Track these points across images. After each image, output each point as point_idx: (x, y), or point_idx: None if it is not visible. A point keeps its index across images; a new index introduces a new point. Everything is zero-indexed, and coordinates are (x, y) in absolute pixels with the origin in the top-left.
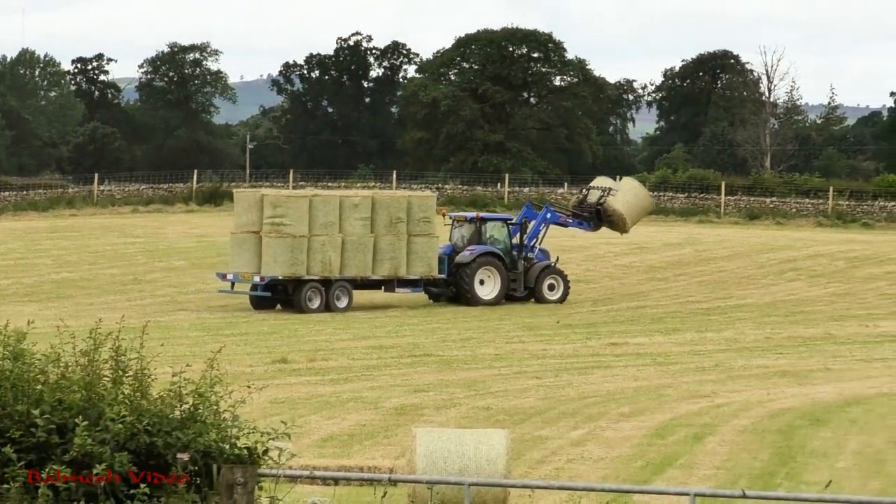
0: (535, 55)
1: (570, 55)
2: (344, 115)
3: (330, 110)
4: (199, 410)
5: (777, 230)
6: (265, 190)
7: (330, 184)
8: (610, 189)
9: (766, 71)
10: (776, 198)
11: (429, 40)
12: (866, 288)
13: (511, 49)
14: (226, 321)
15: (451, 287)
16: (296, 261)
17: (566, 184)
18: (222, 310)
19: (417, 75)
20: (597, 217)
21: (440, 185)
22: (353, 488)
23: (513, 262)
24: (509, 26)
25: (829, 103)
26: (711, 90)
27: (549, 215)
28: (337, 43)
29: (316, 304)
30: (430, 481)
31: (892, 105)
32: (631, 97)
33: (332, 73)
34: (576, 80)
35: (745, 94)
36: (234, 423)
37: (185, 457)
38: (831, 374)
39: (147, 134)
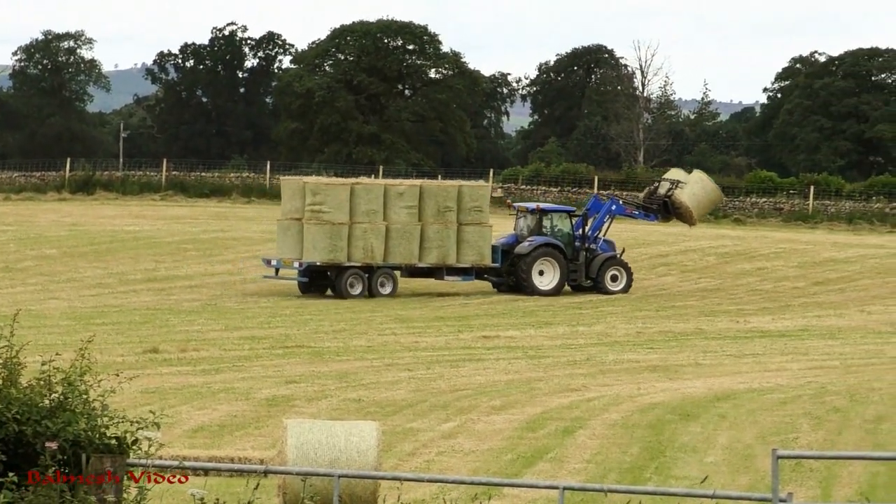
0: (411, 47)
1: (445, 48)
2: (218, 104)
3: (204, 100)
4: (69, 399)
5: (649, 224)
6: (307, 178)
7: (204, 174)
8: (679, 182)
9: (640, 66)
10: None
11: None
12: (737, 283)
13: (386, 41)
14: (98, 310)
15: (510, 277)
16: (335, 247)
17: (439, 176)
18: (94, 299)
19: (292, 66)
20: (664, 209)
21: (314, 175)
22: (224, 479)
23: (574, 252)
24: (385, 18)
25: (703, 99)
26: (585, 84)
27: (614, 207)
28: (212, 33)
29: (357, 290)
30: (300, 472)
31: (765, 101)
32: (505, 90)
33: (207, 62)
34: (450, 72)
35: (618, 88)
36: (103, 412)
37: (53, 446)
38: (701, 369)
39: (20, 121)
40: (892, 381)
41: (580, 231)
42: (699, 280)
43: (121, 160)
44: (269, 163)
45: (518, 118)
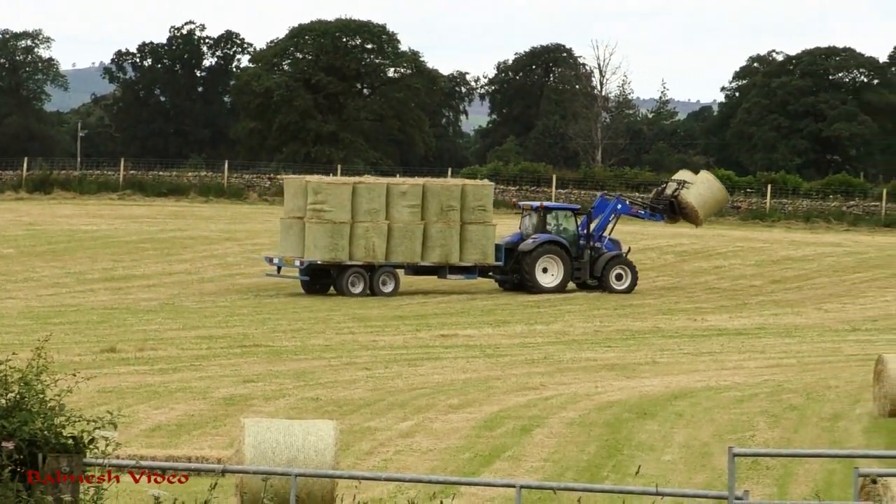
0: (369, 46)
1: (403, 47)
2: (176, 104)
3: (162, 99)
4: (26, 399)
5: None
6: (310, 177)
7: (161, 173)
8: (685, 182)
9: (599, 65)
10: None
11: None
12: (695, 282)
13: (345, 40)
14: (55, 310)
15: (514, 275)
16: (336, 246)
17: (398, 175)
18: (51, 298)
19: (250, 65)
20: (671, 209)
21: (272, 174)
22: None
23: (579, 251)
24: (343, 17)
25: (661, 98)
26: (544, 84)
27: (619, 206)
28: (170, 32)
29: (359, 288)
30: (257, 472)
31: (723, 100)
32: (464, 90)
33: (165, 61)
34: (409, 71)
35: (577, 87)
36: (60, 412)
37: (10, 445)
38: (659, 367)
39: None
40: (849, 378)
41: (585, 230)
42: (657, 278)
43: (78, 159)
44: (227, 162)
45: (476, 117)
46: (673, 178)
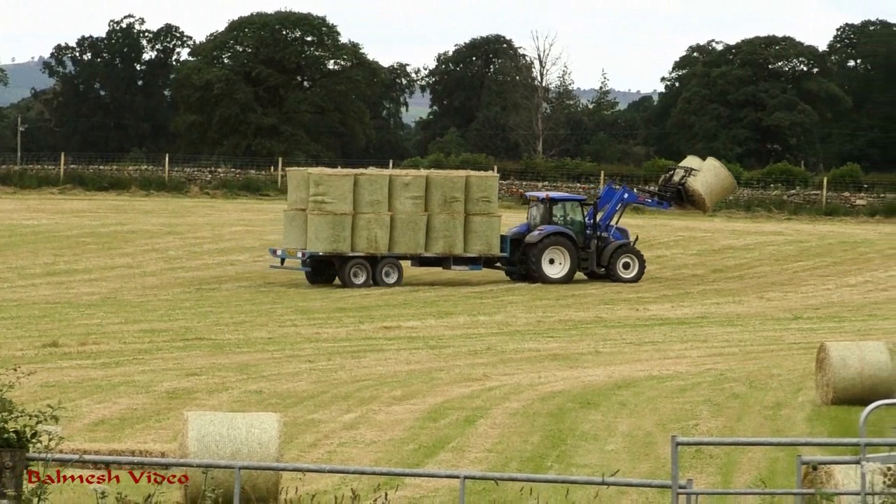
0: (309, 39)
1: (343, 39)
2: (116, 98)
3: (102, 93)
4: None
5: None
6: (312, 169)
7: (102, 167)
8: (692, 169)
9: (539, 56)
10: (548, 182)
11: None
12: None
13: (285, 32)
14: None
15: (522, 265)
16: (337, 237)
17: (339, 167)
18: None
19: (190, 58)
20: (678, 197)
21: (213, 168)
22: (125, 473)
23: (586, 241)
24: (283, 10)
25: (601, 88)
26: (484, 75)
27: (626, 195)
28: (109, 25)
29: (361, 279)
30: (200, 465)
31: (663, 90)
32: (404, 81)
33: (105, 55)
34: (349, 64)
35: (517, 78)
36: (2, 406)
37: None
38: (601, 357)
39: None
40: (791, 367)
41: (592, 220)
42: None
43: (19, 154)
44: (167, 156)
45: (417, 109)
46: (680, 164)
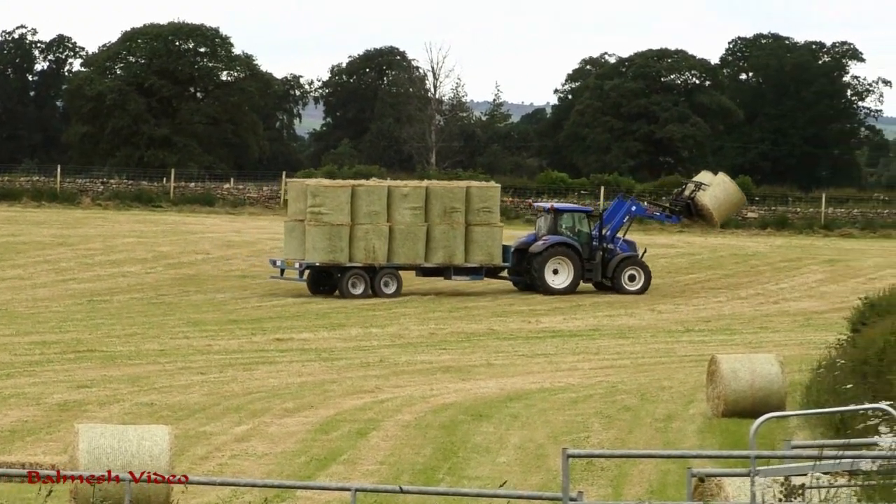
0: (202, 50)
1: (237, 50)
2: (8, 108)
3: None
4: None
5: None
6: (309, 180)
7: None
8: (701, 184)
9: (432, 68)
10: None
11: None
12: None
13: (178, 44)
14: None
15: (528, 275)
16: (335, 248)
17: (232, 179)
18: None
19: (83, 69)
20: (687, 211)
21: (105, 179)
22: (16, 485)
23: (591, 252)
24: (176, 21)
25: (494, 100)
26: (378, 87)
27: (634, 208)
28: (1, 36)
29: (360, 290)
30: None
31: (556, 102)
32: (298, 93)
33: None
34: (243, 75)
35: (411, 90)
36: None
37: None
38: (494, 369)
39: None
40: (682, 379)
41: (599, 231)
42: (491, 281)
43: None
44: (59, 167)
45: (311, 120)
46: (693, 179)
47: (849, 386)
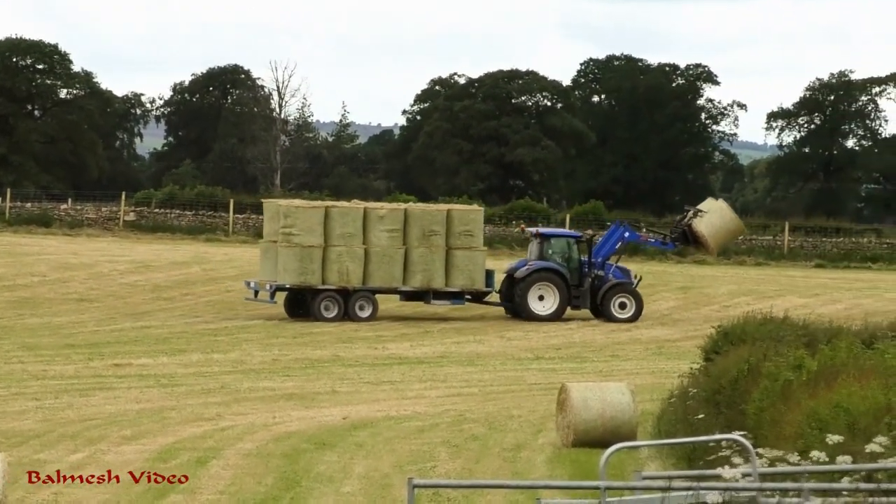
0: (40, 67)
1: (76, 67)
2: None
3: None
4: None
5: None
6: (282, 201)
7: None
8: (699, 210)
9: (278, 87)
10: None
11: None
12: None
13: (15, 60)
14: None
15: (512, 301)
16: (306, 270)
17: (70, 199)
18: None
19: None
20: (684, 238)
21: None
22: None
23: (580, 278)
24: (13, 36)
25: (341, 121)
26: (221, 105)
27: (626, 234)
28: None
29: (333, 313)
30: None
31: (404, 123)
32: (139, 111)
33: None
34: (82, 93)
35: (255, 110)
36: None
37: None
38: (338, 396)
39: None
40: (532, 408)
41: (588, 257)
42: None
43: None
44: None
45: (152, 139)
46: (699, 206)
47: (701, 416)
